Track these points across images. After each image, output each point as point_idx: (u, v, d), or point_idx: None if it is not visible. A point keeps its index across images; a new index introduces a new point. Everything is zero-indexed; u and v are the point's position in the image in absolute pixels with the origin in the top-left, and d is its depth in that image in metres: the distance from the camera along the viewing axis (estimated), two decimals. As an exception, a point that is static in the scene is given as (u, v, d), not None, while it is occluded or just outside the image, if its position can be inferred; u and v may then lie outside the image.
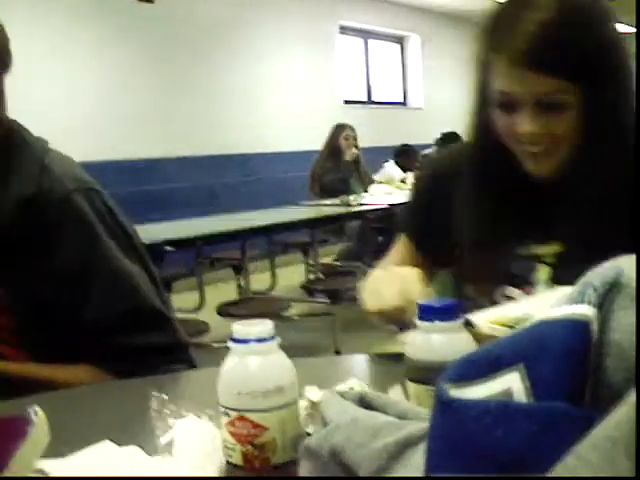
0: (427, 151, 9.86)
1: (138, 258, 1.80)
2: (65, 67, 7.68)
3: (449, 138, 9.81)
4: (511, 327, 1.23)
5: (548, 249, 1.65)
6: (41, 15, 7.45)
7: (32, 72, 6.86)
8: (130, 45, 8.37)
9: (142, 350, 1.71)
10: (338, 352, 5.40)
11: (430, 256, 1.90)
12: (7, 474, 0.86)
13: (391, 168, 9.20)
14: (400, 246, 1.95)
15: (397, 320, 1.45)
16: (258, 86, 10.10)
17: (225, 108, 9.51)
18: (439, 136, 9.93)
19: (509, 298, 1.65)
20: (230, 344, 1.00)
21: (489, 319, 1.28)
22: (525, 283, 1.65)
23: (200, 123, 9.12)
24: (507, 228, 1.66)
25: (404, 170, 9.17)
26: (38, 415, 0.98)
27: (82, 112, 7.78)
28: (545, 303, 0.90)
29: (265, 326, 0.99)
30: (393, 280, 1.47)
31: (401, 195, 7.76)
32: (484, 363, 0.61)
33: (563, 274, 1.57)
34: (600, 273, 0.65)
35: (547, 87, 1.51)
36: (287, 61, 10.60)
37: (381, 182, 8.60)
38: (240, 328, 0.99)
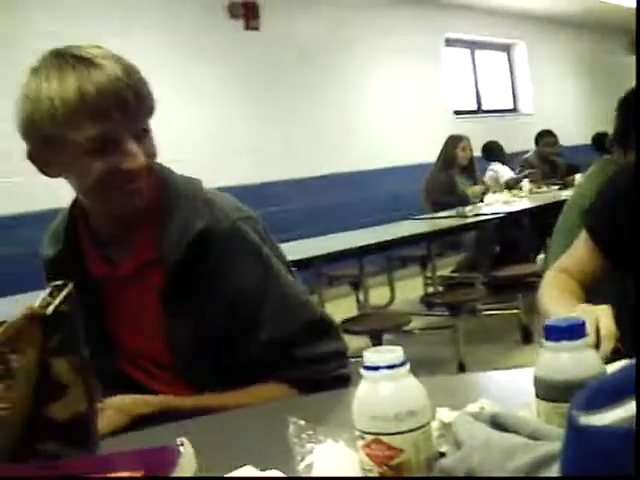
0: (527, 155, 9.74)
1: (293, 276, 1.88)
2: (176, 97, 7.86)
3: (543, 136, 9.71)
4: None
5: None
6: (151, 46, 7.64)
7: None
8: (239, 73, 8.53)
9: (320, 359, 1.78)
10: (462, 365, 5.38)
11: (613, 258, 1.90)
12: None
13: (498, 169, 9.16)
14: (581, 244, 1.96)
15: None
16: (367, 103, 10.16)
17: (335, 128, 9.59)
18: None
19: None
20: (362, 371, 1.04)
21: None
22: None
23: (312, 144, 9.21)
24: None
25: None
26: (185, 445, 1.04)
27: (194, 141, 7.95)
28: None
29: (395, 353, 1.02)
30: (584, 316, 1.47)
31: (517, 204, 7.68)
32: (611, 390, 0.63)
33: None
34: None
35: None
36: (395, 76, 10.63)
37: (488, 187, 8.54)
38: (371, 356, 1.03)
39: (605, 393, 0.64)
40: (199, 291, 1.75)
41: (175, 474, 0.97)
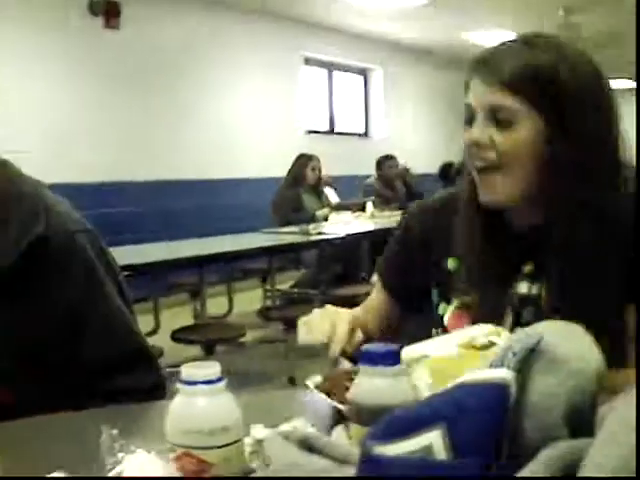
0: (368, 180, 9.92)
1: (123, 296, 1.83)
2: (31, 92, 7.68)
3: (385, 160, 9.95)
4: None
5: (533, 290, 1.68)
6: (5, 41, 7.45)
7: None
8: (95, 71, 8.37)
9: (134, 391, 1.72)
10: (292, 379, 5.42)
11: (403, 302, 1.94)
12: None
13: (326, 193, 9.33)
14: (375, 291, 1.99)
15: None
16: (222, 114, 10.13)
17: (189, 134, 9.53)
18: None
19: None
20: (178, 385, 1.04)
21: None
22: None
23: (163, 148, 9.12)
24: (494, 272, 1.69)
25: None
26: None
27: (42, 134, 7.77)
28: (449, 343, 0.97)
29: (212, 369, 1.03)
30: (325, 317, 1.54)
31: (359, 225, 7.82)
32: (407, 421, 0.65)
33: (546, 314, 1.62)
34: (521, 339, 0.70)
35: (496, 98, 1.56)
36: (253, 89, 10.65)
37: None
38: (188, 370, 1.03)
39: (403, 423, 0.66)
40: (25, 299, 1.69)
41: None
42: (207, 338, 4.99)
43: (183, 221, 9.05)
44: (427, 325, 1.82)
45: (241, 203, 10.00)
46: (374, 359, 1.08)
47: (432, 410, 0.65)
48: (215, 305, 7.11)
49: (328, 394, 1.37)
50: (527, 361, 0.67)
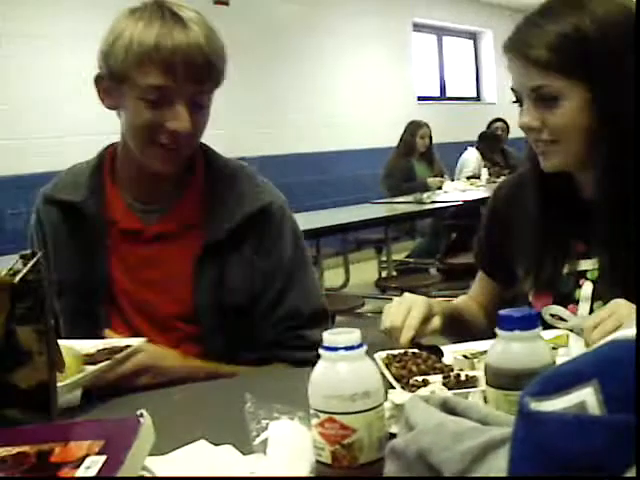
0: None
1: None
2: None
3: (494, 122, 9.68)
4: (470, 358, 1.44)
5: (589, 265, 1.67)
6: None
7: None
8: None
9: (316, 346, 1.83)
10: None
11: (503, 284, 1.94)
12: (123, 470, 0.94)
13: (468, 155, 9.18)
14: (477, 277, 2.01)
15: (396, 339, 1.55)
16: (332, 84, 10.13)
17: (299, 106, 9.57)
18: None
19: (556, 317, 1.67)
20: (321, 351, 1.07)
21: (456, 350, 1.51)
22: (570, 301, 1.68)
23: (275, 122, 9.18)
24: (554, 243, 1.70)
25: (485, 158, 9.09)
26: (145, 416, 1.06)
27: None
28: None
29: (353, 335, 1.06)
30: (402, 304, 1.58)
31: (474, 192, 7.73)
32: (561, 378, 0.66)
33: (603, 289, 1.61)
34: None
35: (534, 79, 1.57)
36: (361, 58, 10.62)
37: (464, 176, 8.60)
38: (329, 337, 1.06)
39: (557, 381, 0.67)
40: (237, 263, 1.84)
41: (135, 445, 1.00)
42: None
43: (293, 194, 9.11)
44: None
45: (348, 175, 10.00)
46: (511, 324, 1.09)
47: (585, 367, 0.66)
48: (331, 277, 7.15)
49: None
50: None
